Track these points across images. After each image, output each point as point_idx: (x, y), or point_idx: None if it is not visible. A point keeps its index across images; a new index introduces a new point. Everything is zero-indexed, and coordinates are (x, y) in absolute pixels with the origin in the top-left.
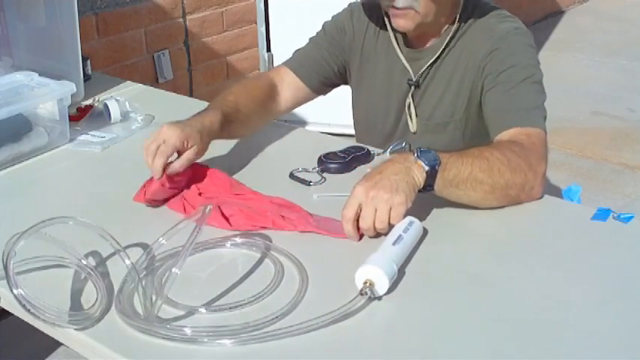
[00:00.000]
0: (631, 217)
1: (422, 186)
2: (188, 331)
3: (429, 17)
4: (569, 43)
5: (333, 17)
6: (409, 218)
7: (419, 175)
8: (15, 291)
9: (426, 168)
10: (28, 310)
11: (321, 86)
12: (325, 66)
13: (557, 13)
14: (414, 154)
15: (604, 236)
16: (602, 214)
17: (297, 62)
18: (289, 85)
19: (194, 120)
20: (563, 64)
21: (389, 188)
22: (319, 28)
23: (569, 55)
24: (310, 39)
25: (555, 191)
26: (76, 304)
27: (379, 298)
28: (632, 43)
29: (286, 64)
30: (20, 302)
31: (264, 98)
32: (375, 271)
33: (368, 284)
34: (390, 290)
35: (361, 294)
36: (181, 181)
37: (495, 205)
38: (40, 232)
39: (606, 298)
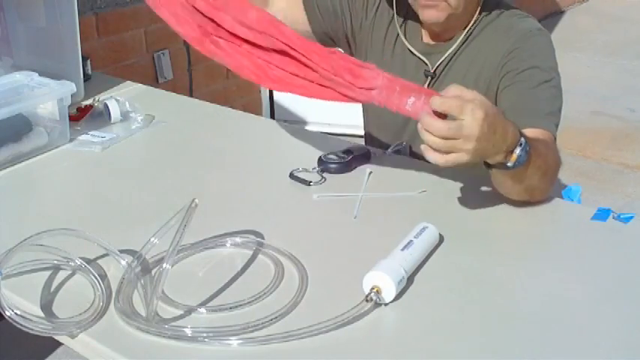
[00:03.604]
0: (631, 217)
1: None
2: (188, 331)
3: (459, 9)
4: (569, 43)
5: None
6: (422, 224)
7: (498, 161)
8: (8, 312)
9: (509, 165)
10: (21, 325)
11: (319, 31)
12: (330, 20)
13: (557, 13)
14: (520, 145)
15: (604, 236)
16: (602, 214)
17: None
18: (287, 6)
19: None
20: (563, 64)
21: (475, 151)
22: None
23: (569, 55)
24: None
25: (555, 191)
26: (74, 305)
27: (385, 304)
28: (632, 43)
29: None
30: (14, 321)
31: None
32: (383, 278)
33: (375, 290)
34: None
35: (367, 300)
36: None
37: (514, 199)
38: (30, 245)
39: (606, 298)
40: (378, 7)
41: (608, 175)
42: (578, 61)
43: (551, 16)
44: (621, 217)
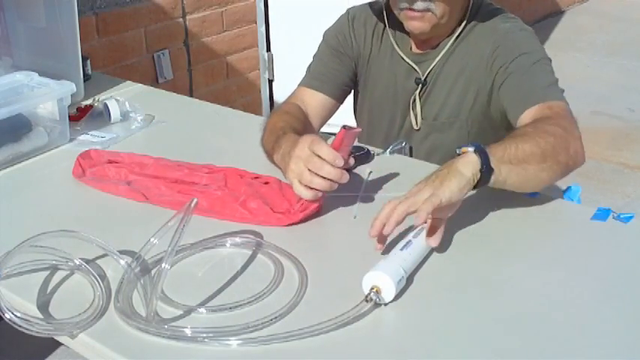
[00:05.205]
0: (631, 217)
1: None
2: (188, 331)
3: (444, 19)
4: (569, 43)
5: (331, 27)
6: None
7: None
8: (7, 315)
9: (477, 185)
10: (20, 326)
11: (343, 95)
12: (339, 75)
13: (557, 13)
14: (482, 167)
15: (604, 236)
16: (602, 214)
17: (314, 79)
18: (315, 104)
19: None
20: (563, 64)
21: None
22: (318, 28)
23: (569, 55)
24: (314, 55)
25: (555, 191)
26: (74, 306)
27: (385, 304)
28: (632, 43)
29: (304, 84)
30: (14, 323)
31: (303, 126)
32: (383, 278)
33: (375, 290)
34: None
35: (366, 300)
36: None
37: (552, 177)
38: (29, 247)
39: (606, 298)
40: (366, 25)
41: (608, 175)
42: (578, 61)
43: (551, 16)
44: (621, 217)
